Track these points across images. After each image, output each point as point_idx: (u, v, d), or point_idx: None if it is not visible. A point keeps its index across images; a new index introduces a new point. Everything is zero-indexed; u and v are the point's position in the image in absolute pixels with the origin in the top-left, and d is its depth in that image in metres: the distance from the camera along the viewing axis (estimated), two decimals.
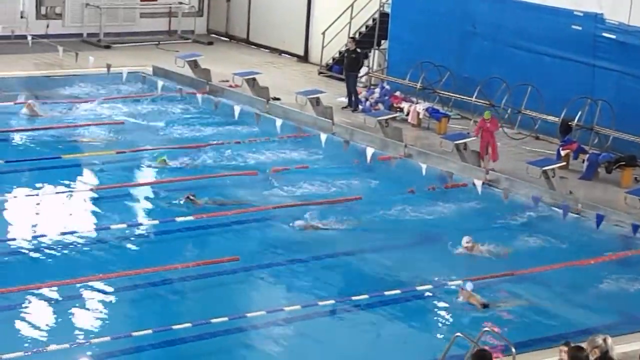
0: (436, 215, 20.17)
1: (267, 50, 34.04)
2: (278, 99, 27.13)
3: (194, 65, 28.72)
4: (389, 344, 15.32)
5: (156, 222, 19.04)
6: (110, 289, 16.10)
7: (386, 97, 27.19)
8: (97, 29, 32.97)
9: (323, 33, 30.92)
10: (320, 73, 31.09)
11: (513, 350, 12.85)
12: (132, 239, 18.29)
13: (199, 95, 27.25)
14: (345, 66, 27.78)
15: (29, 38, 30.16)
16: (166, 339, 14.48)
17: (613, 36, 24.20)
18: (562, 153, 23.29)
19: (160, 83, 27.55)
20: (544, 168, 21.30)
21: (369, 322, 15.85)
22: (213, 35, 35.68)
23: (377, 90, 27.62)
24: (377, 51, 29.83)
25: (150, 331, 14.48)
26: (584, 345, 11.54)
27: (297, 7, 32.91)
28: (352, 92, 27.38)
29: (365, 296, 16.13)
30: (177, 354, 14.47)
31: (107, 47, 32.35)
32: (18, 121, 24.70)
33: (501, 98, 25.45)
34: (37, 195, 20.14)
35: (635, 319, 16.29)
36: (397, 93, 27.30)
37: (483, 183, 21.40)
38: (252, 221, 19.34)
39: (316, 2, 32.55)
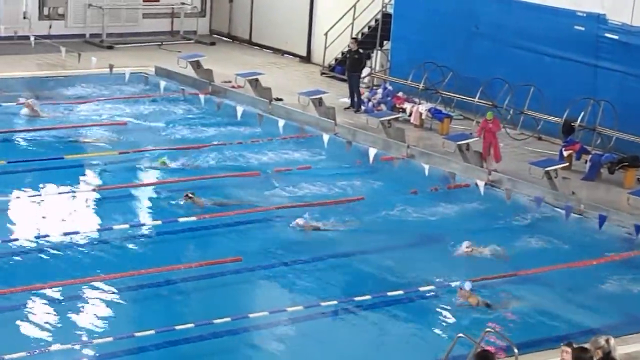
0: (439, 216, 20.16)
1: (269, 50, 34.02)
2: (280, 100, 27.11)
3: (197, 65, 28.72)
4: (391, 344, 15.31)
5: (159, 222, 19.03)
6: (113, 289, 16.10)
7: (389, 98, 27.17)
8: (99, 30, 32.96)
9: (325, 34, 30.89)
10: (322, 74, 31.07)
11: (515, 350, 12.84)
12: (135, 239, 18.28)
13: (201, 96, 27.26)
14: (348, 67, 27.74)
15: (32, 39, 30.20)
16: (169, 339, 14.47)
17: (615, 37, 24.17)
18: (565, 154, 23.27)
19: (162, 84, 27.60)
20: (547, 169, 21.27)
21: (372, 323, 15.86)
22: (215, 35, 35.67)
23: (380, 90, 27.60)
24: (379, 52, 29.81)
25: (153, 331, 14.46)
26: (587, 346, 11.55)
27: (300, 8, 32.91)
28: (354, 93, 27.35)
29: (368, 297, 16.14)
30: (180, 355, 14.47)
31: (110, 47, 32.35)
32: (20, 122, 24.72)
33: (504, 99, 25.43)
34: (39, 195, 20.14)
35: (638, 319, 16.25)
36: (400, 94, 27.28)
37: (485, 184, 21.39)
38: (254, 222, 19.33)
39: (319, 3, 32.54)
